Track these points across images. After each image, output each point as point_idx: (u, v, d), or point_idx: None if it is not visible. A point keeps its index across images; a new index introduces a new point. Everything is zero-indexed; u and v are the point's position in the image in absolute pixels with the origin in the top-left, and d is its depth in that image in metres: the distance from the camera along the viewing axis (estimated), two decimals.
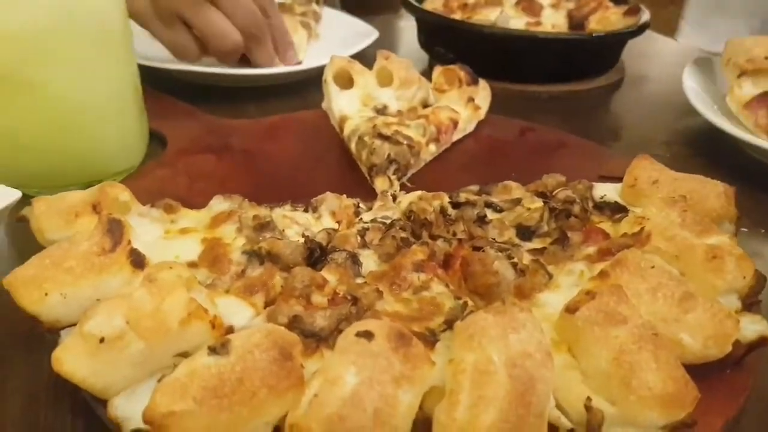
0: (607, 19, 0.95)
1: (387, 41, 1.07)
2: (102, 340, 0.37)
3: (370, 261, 0.49)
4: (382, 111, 0.73)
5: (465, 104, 0.75)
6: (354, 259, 0.48)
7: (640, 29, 0.93)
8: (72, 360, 0.38)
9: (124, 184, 0.53)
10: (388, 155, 0.64)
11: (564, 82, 0.92)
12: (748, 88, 0.75)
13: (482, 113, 0.77)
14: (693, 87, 0.80)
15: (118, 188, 0.52)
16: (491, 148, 0.74)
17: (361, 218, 0.55)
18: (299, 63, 0.91)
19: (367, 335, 0.35)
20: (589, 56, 0.89)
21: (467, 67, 0.78)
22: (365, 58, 0.82)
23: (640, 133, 0.84)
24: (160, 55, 0.85)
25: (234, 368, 0.34)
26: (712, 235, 0.47)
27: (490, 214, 0.55)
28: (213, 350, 0.36)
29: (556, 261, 0.48)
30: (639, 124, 0.87)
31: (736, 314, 0.43)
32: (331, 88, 0.75)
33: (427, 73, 0.79)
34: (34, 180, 0.61)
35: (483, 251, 0.47)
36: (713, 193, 0.53)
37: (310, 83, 0.84)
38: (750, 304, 0.46)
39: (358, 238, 0.51)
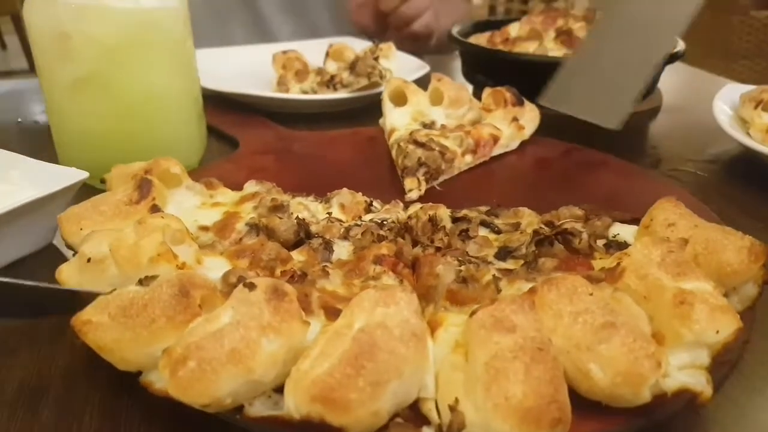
0: None
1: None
2: (89, 260, 0.45)
3: (343, 250, 0.52)
4: (429, 126, 0.77)
5: (509, 123, 0.78)
6: (327, 246, 0.51)
7: (672, 58, 0.93)
8: (68, 272, 0.46)
9: (196, 173, 0.62)
10: (419, 158, 0.68)
11: None
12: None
13: (526, 133, 0.79)
14: (724, 113, 0.81)
15: (171, 162, 0.60)
16: (535, 163, 0.77)
17: (360, 216, 0.58)
18: None
19: (251, 286, 0.38)
20: None
21: (514, 89, 0.81)
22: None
23: (676, 156, 0.85)
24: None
25: (144, 296, 0.40)
26: (690, 280, 0.42)
27: (485, 233, 0.54)
28: (140, 282, 0.42)
29: (515, 280, 0.46)
30: (675, 148, 0.88)
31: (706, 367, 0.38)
32: (386, 105, 0.81)
33: None
34: (101, 171, 0.64)
35: (444, 258, 0.47)
36: (733, 246, 0.47)
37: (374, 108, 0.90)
38: (721, 363, 0.40)
39: (342, 229, 0.54)
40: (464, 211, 0.56)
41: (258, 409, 0.37)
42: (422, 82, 0.99)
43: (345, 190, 0.60)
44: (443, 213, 0.56)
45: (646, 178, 0.73)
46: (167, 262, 0.44)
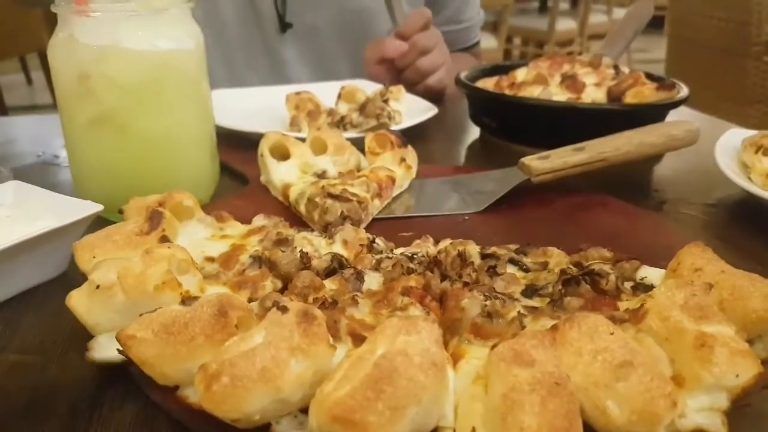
0: (641, 93, 0.98)
1: (444, 116, 1.20)
2: (97, 287, 0.47)
3: (373, 281, 0.54)
4: (322, 175, 0.77)
5: (399, 164, 0.80)
6: (358, 276, 0.53)
7: (675, 104, 0.97)
8: (77, 298, 0.48)
9: (207, 208, 0.65)
10: (341, 212, 0.67)
11: None
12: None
13: (413, 172, 0.82)
14: (726, 158, 0.82)
15: (185, 195, 0.62)
16: (534, 202, 0.78)
17: (392, 249, 0.60)
18: None
19: (283, 309, 0.40)
20: (623, 126, 0.86)
21: (397, 132, 0.84)
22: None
23: (678, 199, 0.86)
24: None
25: (185, 315, 0.42)
26: (712, 324, 0.42)
27: (513, 270, 0.55)
28: (183, 302, 0.45)
29: (540, 317, 0.47)
30: (678, 192, 0.88)
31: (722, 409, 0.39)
32: (268, 161, 0.79)
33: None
34: (117, 204, 0.65)
35: (470, 292, 0.49)
36: (759, 293, 0.47)
37: None
38: (740, 406, 0.40)
39: (373, 261, 0.56)
40: (493, 248, 0.58)
41: (284, 427, 0.39)
42: (429, 124, 1.06)
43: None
44: (472, 249, 0.58)
45: (646, 219, 0.74)
46: (171, 290, 0.47)
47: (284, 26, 1.46)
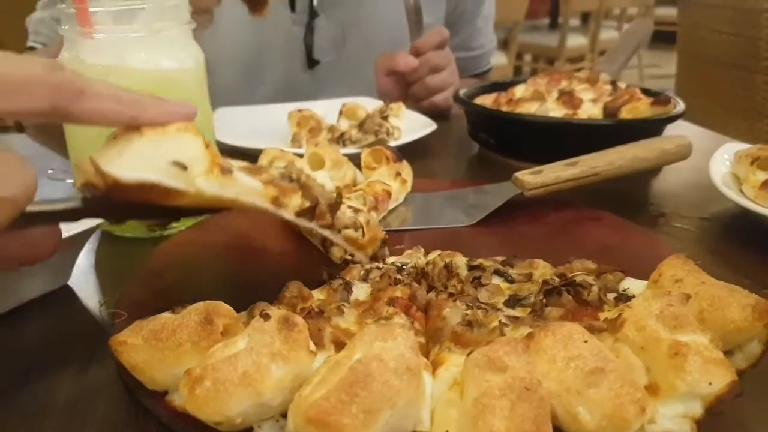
0: (637, 109, 1.00)
1: (446, 132, 1.23)
2: (114, 137, 0.45)
3: (361, 292, 0.55)
4: None
5: (394, 178, 0.81)
6: (346, 287, 0.55)
7: (670, 119, 0.97)
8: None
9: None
10: (344, 225, 0.67)
11: None
12: (762, 174, 0.79)
13: (408, 186, 0.84)
14: (720, 172, 0.83)
15: None
16: (526, 216, 0.79)
17: (383, 260, 0.61)
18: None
19: (266, 316, 0.42)
20: (619, 142, 0.87)
21: (393, 147, 0.86)
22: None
23: (674, 213, 0.86)
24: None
25: (173, 322, 0.44)
26: (687, 333, 0.43)
27: (498, 281, 0.57)
28: (173, 310, 0.46)
29: (520, 326, 0.48)
30: (673, 206, 0.89)
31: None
32: None
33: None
34: None
35: (453, 302, 0.50)
36: (738, 303, 0.48)
37: None
38: (714, 414, 0.41)
39: (362, 272, 0.57)
40: (480, 260, 0.59)
41: (265, 431, 0.40)
42: (431, 140, 1.10)
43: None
44: (459, 261, 0.59)
45: (638, 233, 0.74)
46: (194, 135, 0.45)
47: (312, 63, 1.48)
